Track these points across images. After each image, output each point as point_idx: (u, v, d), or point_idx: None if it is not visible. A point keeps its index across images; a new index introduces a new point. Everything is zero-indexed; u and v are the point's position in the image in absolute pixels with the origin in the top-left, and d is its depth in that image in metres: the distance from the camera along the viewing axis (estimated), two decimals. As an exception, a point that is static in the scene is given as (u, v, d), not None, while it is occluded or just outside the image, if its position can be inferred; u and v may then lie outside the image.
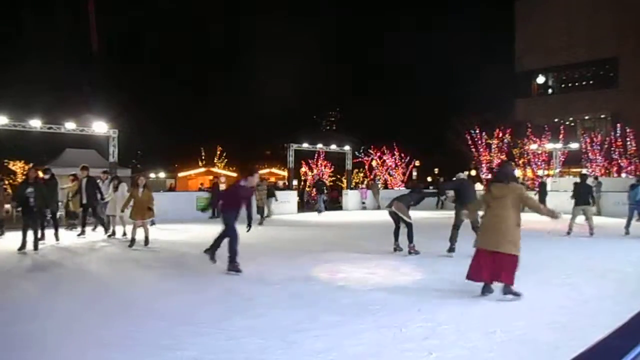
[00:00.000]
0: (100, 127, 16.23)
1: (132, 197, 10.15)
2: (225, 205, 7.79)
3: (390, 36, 58.31)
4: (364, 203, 23.52)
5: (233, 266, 7.29)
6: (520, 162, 29.90)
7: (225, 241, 7.48)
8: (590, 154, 28.69)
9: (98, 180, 12.57)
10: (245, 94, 51.73)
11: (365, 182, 28.16)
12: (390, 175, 30.61)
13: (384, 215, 19.51)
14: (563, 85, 36.35)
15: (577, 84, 35.55)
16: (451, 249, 9.05)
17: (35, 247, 9.52)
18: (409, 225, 9.16)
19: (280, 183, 32.42)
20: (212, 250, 7.71)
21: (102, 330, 4.64)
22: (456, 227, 9.05)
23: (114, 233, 11.86)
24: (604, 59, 32.73)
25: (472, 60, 40.39)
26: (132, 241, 10.04)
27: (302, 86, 44.69)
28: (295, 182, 24.19)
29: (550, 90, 36.85)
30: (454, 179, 9.85)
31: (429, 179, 39.71)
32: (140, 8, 48.08)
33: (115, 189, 12.00)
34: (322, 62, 52.65)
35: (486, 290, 5.77)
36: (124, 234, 11.64)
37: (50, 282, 7.03)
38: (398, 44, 54.29)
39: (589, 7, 32.47)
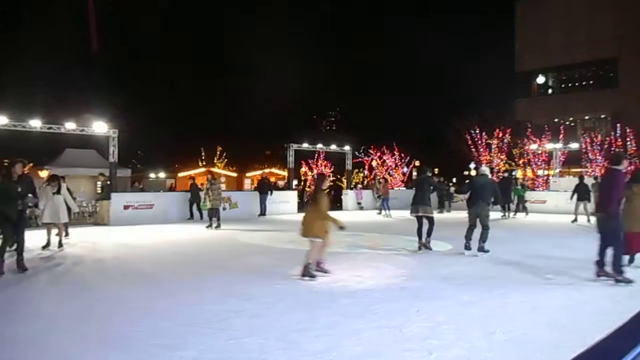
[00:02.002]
0: (100, 127, 16.24)
1: (322, 205, 7.20)
2: (612, 202, 6.55)
3: (390, 36, 58.35)
4: (359, 203, 23.40)
5: (622, 276, 6.40)
6: (520, 162, 29.89)
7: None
8: (590, 154, 28.69)
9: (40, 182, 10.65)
10: (245, 93, 51.73)
11: (378, 179, 27.69)
12: (390, 175, 30.61)
13: (379, 215, 19.51)
14: (563, 85, 36.34)
15: (577, 84, 35.54)
16: (467, 247, 9.03)
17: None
18: (432, 221, 9.45)
19: (281, 183, 32.45)
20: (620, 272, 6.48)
21: (102, 331, 4.65)
22: (472, 227, 9.10)
23: (48, 244, 9.81)
24: (604, 59, 32.71)
25: (472, 60, 40.43)
26: (314, 272, 6.87)
27: (302, 86, 44.68)
28: (295, 182, 24.15)
29: (550, 90, 36.83)
30: (474, 175, 10.07)
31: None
32: (140, 8, 48.07)
33: (57, 191, 9.91)
34: (322, 62, 52.67)
35: (630, 261, 7.44)
36: (47, 244, 9.79)
37: (50, 284, 7.03)
38: (398, 44, 54.35)
39: (589, 7, 32.45)
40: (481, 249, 8.85)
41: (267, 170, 26.21)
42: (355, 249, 10.02)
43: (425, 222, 9.53)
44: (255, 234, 13.11)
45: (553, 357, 3.87)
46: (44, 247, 9.70)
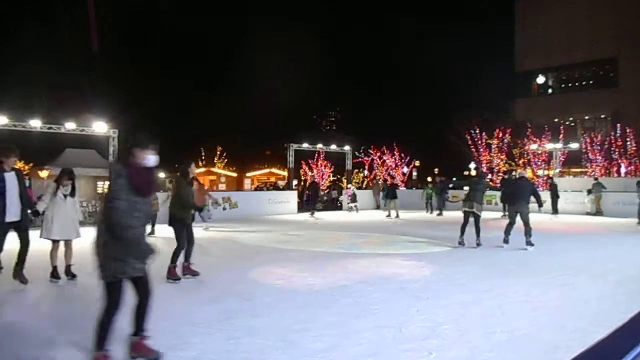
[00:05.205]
0: (100, 127, 16.26)
1: None
2: None
3: (391, 36, 58.39)
4: (349, 204, 23.21)
5: None
6: (520, 162, 29.89)
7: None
8: (590, 154, 28.69)
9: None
10: (245, 94, 51.77)
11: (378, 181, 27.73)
12: (390, 175, 30.62)
13: (379, 215, 19.50)
14: (563, 85, 36.37)
15: (577, 84, 35.58)
16: (505, 241, 9.80)
17: None
18: (479, 219, 9.91)
19: (281, 183, 32.46)
20: None
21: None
22: (511, 224, 9.79)
23: (55, 272, 6.78)
24: (604, 59, 32.75)
25: (472, 60, 40.50)
26: None
27: (302, 86, 44.70)
28: (295, 182, 24.12)
29: (550, 90, 36.87)
30: (508, 177, 10.77)
31: (429, 179, 39.71)
32: (141, 7, 48.08)
33: (71, 193, 6.80)
34: (322, 63, 52.71)
35: None
36: (54, 272, 6.79)
37: (49, 284, 7.02)
38: (398, 44, 54.38)
39: (589, 7, 32.47)
40: (528, 243, 9.55)
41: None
42: (354, 249, 10.02)
43: (471, 220, 10.00)
44: (254, 234, 13.11)
45: (553, 357, 3.87)
46: (53, 276, 6.82)
